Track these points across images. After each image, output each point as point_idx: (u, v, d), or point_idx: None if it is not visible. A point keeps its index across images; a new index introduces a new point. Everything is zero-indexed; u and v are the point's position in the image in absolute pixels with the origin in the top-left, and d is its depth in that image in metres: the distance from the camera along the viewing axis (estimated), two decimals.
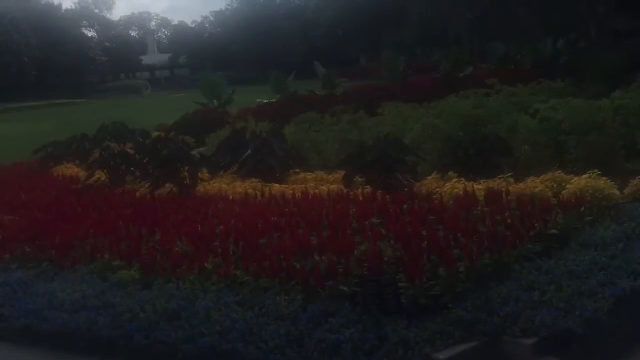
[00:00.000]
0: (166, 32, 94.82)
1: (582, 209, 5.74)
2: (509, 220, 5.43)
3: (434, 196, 6.56)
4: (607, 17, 33.14)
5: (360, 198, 6.76)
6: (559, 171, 6.87)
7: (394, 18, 46.98)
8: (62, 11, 73.80)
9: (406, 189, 6.99)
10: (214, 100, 19.93)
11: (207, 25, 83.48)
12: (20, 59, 57.12)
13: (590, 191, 6.01)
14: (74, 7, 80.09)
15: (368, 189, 7.07)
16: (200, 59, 72.82)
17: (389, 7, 47.26)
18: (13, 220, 7.43)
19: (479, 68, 23.61)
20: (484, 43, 30.73)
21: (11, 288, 5.28)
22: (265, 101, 20.71)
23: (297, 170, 8.90)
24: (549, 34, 27.72)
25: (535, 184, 6.44)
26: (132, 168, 9.41)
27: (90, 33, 79.22)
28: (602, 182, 6.18)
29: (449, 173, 7.26)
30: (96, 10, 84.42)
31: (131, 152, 10.03)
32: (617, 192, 6.15)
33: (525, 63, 24.48)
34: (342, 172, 7.80)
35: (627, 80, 13.51)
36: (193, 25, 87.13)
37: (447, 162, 7.74)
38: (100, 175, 9.56)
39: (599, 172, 6.37)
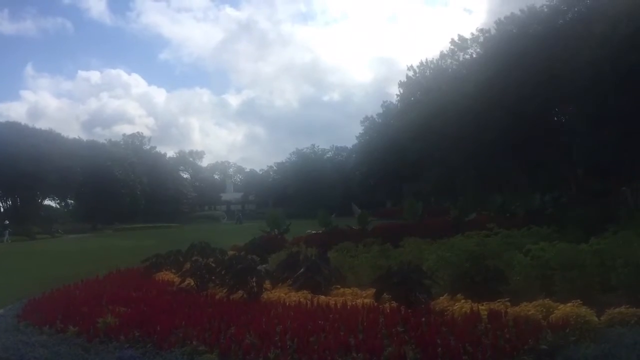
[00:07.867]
0: (240, 177, 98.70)
1: (567, 330, 5.57)
2: (507, 335, 5.30)
3: (446, 313, 6.48)
4: (584, 179, 33.28)
5: (388, 310, 6.72)
6: (547, 299, 6.66)
7: (413, 173, 48.20)
8: (167, 158, 78.61)
9: (423, 305, 6.90)
10: (275, 229, 20.11)
11: (271, 172, 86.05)
12: (134, 192, 60.32)
13: (574, 316, 5.83)
14: (175, 156, 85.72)
15: (394, 304, 7.02)
16: (265, 197, 75.35)
17: (408, 165, 48.69)
18: (126, 311, 7.53)
19: (481, 214, 23.15)
20: (486, 194, 30.65)
21: None
22: (313, 232, 20.82)
23: (338, 286, 8.88)
24: (537, 190, 27.65)
25: (528, 308, 6.28)
26: (213, 277, 9.51)
27: (185, 175, 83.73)
28: (584, 310, 5.97)
29: (458, 296, 7.14)
30: (190, 159, 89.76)
31: (213, 265, 10.13)
32: (596, 319, 5.90)
33: (518, 212, 24.22)
34: (373, 290, 7.77)
35: (601, 229, 13.29)
36: (260, 172, 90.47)
37: (457, 287, 7.60)
38: (189, 281, 9.68)
39: (581, 302, 6.20)
